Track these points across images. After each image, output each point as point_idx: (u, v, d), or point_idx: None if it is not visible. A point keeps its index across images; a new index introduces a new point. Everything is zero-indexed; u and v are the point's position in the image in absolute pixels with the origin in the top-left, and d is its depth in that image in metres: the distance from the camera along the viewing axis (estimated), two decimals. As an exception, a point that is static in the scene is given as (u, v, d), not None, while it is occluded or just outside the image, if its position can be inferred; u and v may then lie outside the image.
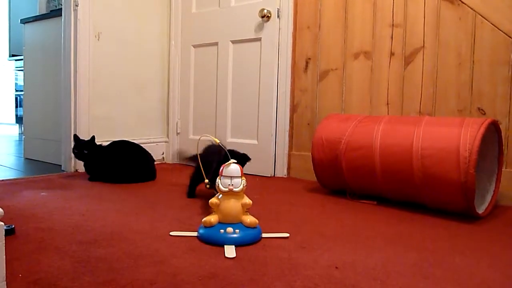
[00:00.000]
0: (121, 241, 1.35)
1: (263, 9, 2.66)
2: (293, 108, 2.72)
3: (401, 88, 2.30)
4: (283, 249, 1.32)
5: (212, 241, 1.34)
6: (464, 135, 1.67)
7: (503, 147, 1.93)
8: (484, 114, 2.06)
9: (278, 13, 2.66)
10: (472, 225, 1.66)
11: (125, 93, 3.00)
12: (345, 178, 2.04)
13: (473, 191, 1.63)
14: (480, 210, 1.78)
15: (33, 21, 3.33)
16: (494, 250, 1.38)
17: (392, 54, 2.32)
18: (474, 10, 2.06)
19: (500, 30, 2.00)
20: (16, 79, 6.08)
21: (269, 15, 2.67)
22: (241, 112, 2.87)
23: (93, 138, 2.41)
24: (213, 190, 1.62)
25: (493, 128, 1.84)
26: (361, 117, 2.10)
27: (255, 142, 2.78)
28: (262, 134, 2.75)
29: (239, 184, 1.37)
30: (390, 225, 1.64)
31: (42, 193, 2.06)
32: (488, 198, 1.88)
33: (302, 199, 2.09)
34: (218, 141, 1.51)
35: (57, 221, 1.55)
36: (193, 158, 2.12)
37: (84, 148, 2.37)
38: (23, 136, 3.47)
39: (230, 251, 1.27)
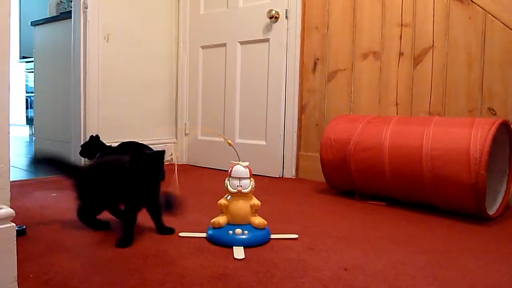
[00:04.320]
0: (131, 242, 1.36)
1: (271, 10, 2.65)
2: (302, 109, 2.72)
3: (410, 88, 2.29)
4: (291, 251, 1.32)
5: (221, 242, 1.35)
6: (475, 136, 1.65)
7: (514, 148, 1.91)
8: (495, 114, 2.04)
9: (286, 14, 2.66)
10: (483, 227, 1.64)
11: (134, 94, 3.02)
12: (354, 179, 2.03)
13: (484, 192, 1.62)
14: (491, 211, 1.76)
15: (43, 23, 3.37)
16: (506, 251, 1.36)
17: (401, 54, 2.31)
18: (484, 9, 2.04)
19: (511, 29, 1.98)
20: (27, 80, 6.14)
21: (277, 16, 2.66)
22: (249, 113, 2.87)
23: (91, 137, 2.49)
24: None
25: (504, 129, 1.82)
26: (370, 118, 2.09)
27: (263, 143, 2.78)
28: (271, 135, 2.75)
29: (248, 185, 1.37)
30: (400, 227, 1.63)
31: (52, 194, 2.08)
32: (499, 199, 1.86)
33: (310, 200, 2.08)
34: (230, 142, 1.50)
35: (67, 222, 1.57)
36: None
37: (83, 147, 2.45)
38: (34, 137, 3.51)
39: (238, 252, 1.27)
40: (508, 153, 1.89)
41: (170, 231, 1.46)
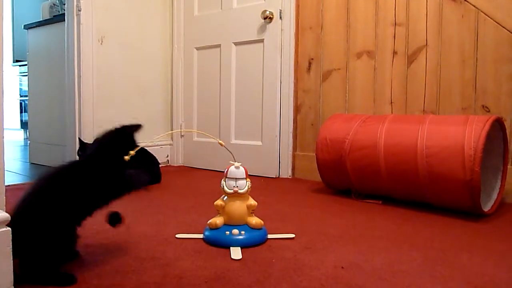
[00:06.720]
0: (127, 244, 1.36)
1: (265, 11, 2.66)
2: (297, 109, 2.72)
3: (405, 87, 2.30)
4: (288, 250, 1.32)
5: (218, 243, 1.35)
6: (469, 133, 1.66)
7: (508, 144, 1.92)
8: (489, 111, 2.05)
9: (280, 14, 2.66)
10: (478, 223, 1.65)
11: (129, 96, 3.01)
12: (350, 178, 2.04)
13: (478, 189, 1.63)
14: (486, 208, 1.77)
15: (36, 26, 3.35)
16: (501, 248, 1.37)
17: (395, 53, 2.32)
18: (476, 8, 2.06)
19: (503, 27, 1.99)
20: (21, 84, 6.12)
21: (271, 16, 2.67)
22: (245, 114, 2.87)
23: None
24: None
25: (498, 125, 1.83)
26: (365, 117, 2.09)
27: (259, 143, 2.78)
28: (266, 135, 2.75)
29: (244, 185, 1.38)
30: (396, 225, 1.64)
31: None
32: (494, 195, 1.87)
33: (307, 200, 2.09)
34: (222, 143, 1.50)
35: (63, 225, 1.56)
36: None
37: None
38: (28, 141, 3.49)
39: (236, 252, 1.27)
40: (502, 150, 1.91)
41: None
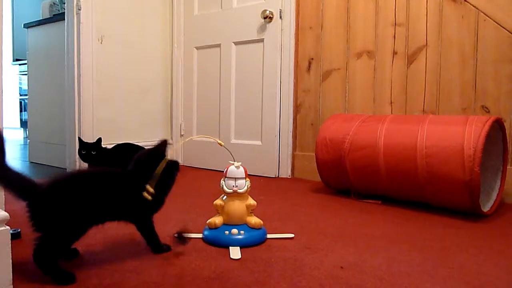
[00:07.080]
0: (126, 244, 1.36)
1: (265, 10, 2.66)
2: (297, 109, 2.72)
3: (405, 87, 2.30)
4: (288, 250, 1.32)
5: (217, 242, 1.35)
6: (468, 133, 1.66)
7: (507, 145, 1.92)
8: (488, 112, 2.05)
9: (280, 14, 2.66)
10: (478, 224, 1.66)
11: (129, 95, 3.01)
12: (350, 178, 2.04)
13: (478, 189, 1.63)
14: (486, 208, 1.77)
15: (36, 25, 3.35)
16: (500, 248, 1.37)
17: (395, 53, 2.32)
18: (477, 8, 2.06)
19: (503, 27, 1.99)
20: (20, 83, 6.11)
21: (271, 16, 2.67)
22: (245, 113, 2.87)
23: (99, 140, 2.41)
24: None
25: (497, 126, 1.84)
26: (365, 117, 2.09)
27: (259, 143, 2.78)
28: (266, 135, 2.75)
29: (243, 185, 1.38)
30: (395, 225, 1.64)
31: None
32: (494, 196, 1.87)
33: (306, 200, 2.09)
34: (221, 143, 1.50)
35: (62, 224, 1.56)
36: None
37: (92, 150, 2.36)
38: (28, 140, 3.49)
39: (235, 252, 1.27)
40: (501, 150, 1.91)
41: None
